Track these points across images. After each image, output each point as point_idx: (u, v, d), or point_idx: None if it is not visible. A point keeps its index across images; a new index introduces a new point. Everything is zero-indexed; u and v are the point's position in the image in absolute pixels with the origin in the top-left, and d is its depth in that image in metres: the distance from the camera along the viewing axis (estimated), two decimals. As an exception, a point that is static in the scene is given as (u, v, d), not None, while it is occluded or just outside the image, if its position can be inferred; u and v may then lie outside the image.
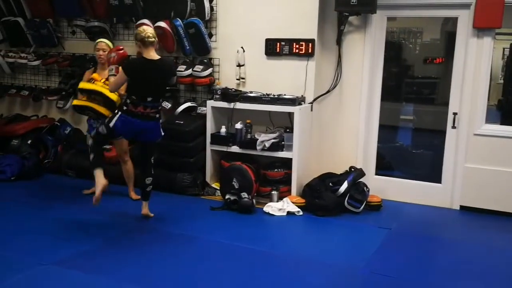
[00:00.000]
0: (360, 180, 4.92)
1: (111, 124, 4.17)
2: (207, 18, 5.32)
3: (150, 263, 3.59)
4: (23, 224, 4.30)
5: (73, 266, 3.50)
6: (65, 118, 6.36)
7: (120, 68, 4.22)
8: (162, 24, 5.32)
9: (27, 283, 3.26)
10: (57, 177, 5.75)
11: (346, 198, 4.75)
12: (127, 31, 5.91)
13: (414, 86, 6.43)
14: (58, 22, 6.28)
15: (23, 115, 6.51)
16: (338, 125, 5.28)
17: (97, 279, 3.34)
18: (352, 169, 4.98)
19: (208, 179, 5.30)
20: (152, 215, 4.50)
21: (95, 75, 4.74)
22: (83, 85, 4.73)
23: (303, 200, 4.82)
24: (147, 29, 4.17)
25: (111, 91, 4.38)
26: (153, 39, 4.14)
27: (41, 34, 6.20)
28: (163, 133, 4.43)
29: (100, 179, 4.13)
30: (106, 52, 4.68)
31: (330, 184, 4.87)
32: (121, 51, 4.34)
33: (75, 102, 4.81)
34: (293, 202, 4.77)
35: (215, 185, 5.26)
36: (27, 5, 6.24)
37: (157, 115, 4.31)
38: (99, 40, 4.87)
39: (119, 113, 4.18)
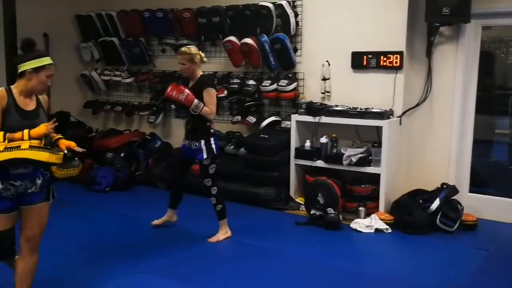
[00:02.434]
0: (453, 197, 4.68)
1: (215, 152, 4.23)
2: (292, 33, 5.35)
3: (238, 277, 3.62)
4: (118, 233, 4.51)
5: (164, 275, 3.61)
6: (156, 132, 6.65)
7: (212, 89, 4.22)
8: (248, 40, 5.43)
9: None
10: (148, 189, 6.01)
11: (438, 216, 4.53)
12: (214, 48, 6.09)
13: (509, 98, 6.04)
14: (149, 41, 6.60)
15: (117, 129, 6.89)
16: (429, 139, 5.07)
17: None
18: (444, 186, 4.75)
19: (292, 193, 5.28)
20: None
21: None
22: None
23: (392, 217, 4.65)
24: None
25: (213, 112, 4.24)
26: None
27: (133, 53, 6.56)
28: None
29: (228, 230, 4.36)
30: None
31: (421, 201, 4.68)
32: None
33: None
34: (381, 219, 4.62)
35: (299, 200, 5.23)
36: (121, 26, 6.63)
37: None
38: (50, 63, 2.90)
39: (212, 138, 4.24)
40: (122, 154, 6.24)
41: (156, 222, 4.62)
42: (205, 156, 4.19)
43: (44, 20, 6.56)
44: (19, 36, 5.83)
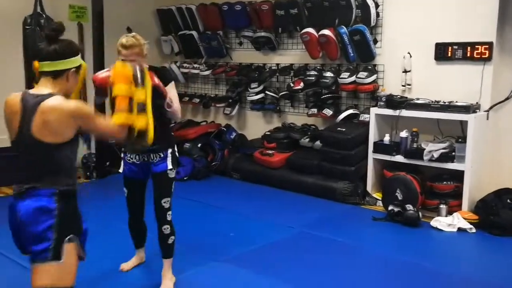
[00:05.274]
0: (545, 198, 4.38)
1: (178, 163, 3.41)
2: (372, 24, 5.22)
3: (313, 270, 3.60)
4: (196, 222, 4.61)
5: (240, 265, 3.66)
6: (231, 124, 6.75)
7: (173, 83, 3.24)
8: (326, 32, 5.35)
9: (200, 277, 3.50)
10: (223, 179, 6.13)
11: (528, 218, 4.27)
12: (290, 40, 6.07)
13: None
14: (227, 34, 6.70)
15: (194, 120, 7.07)
16: (518, 136, 4.77)
17: (260, 278, 3.45)
18: (535, 185, 4.46)
19: (369, 188, 5.17)
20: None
21: None
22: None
23: (476, 217, 4.43)
24: None
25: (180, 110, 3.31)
26: None
27: (211, 46, 6.68)
28: None
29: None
30: None
31: (508, 200, 4.41)
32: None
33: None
34: (464, 218, 4.42)
35: (377, 195, 5.11)
36: (200, 20, 6.77)
37: None
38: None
39: (175, 145, 3.33)
40: (199, 145, 6.38)
41: (124, 265, 3.55)
42: (170, 166, 3.18)
43: (127, 14, 6.84)
44: (105, 30, 6.11)
